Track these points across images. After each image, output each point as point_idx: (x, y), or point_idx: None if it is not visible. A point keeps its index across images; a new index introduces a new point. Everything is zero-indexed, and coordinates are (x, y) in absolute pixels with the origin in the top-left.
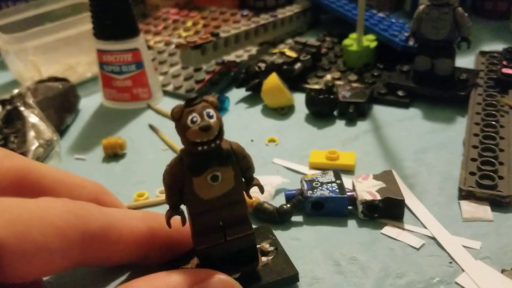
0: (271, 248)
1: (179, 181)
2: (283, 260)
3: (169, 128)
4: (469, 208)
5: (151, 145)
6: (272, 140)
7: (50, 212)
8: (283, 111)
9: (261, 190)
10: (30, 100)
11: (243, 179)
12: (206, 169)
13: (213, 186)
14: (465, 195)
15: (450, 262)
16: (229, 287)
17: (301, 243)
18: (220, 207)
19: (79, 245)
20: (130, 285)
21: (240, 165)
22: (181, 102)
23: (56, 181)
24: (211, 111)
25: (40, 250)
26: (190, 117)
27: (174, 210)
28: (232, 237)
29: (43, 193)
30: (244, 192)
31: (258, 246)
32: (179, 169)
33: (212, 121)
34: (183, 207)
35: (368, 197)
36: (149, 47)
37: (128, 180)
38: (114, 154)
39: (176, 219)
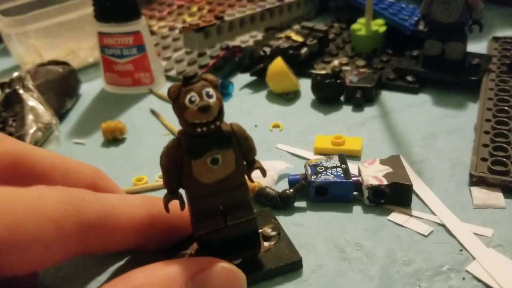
0: (273, 233)
1: (177, 164)
2: (285, 245)
3: (170, 113)
4: (480, 194)
5: (152, 130)
6: (276, 126)
7: (45, 202)
8: (288, 97)
9: (263, 173)
10: (30, 83)
11: (245, 162)
12: (205, 152)
13: (213, 169)
14: (476, 181)
15: (461, 250)
16: (232, 276)
17: (304, 229)
18: (220, 191)
19: (76, 236)
20: (128, 276)
21: (241, 148)
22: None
23: (51, 166)
24: (211, 91)
25: (34, 243)
26: (188, 97)
27: (172, 194)
28: (233, 222)
29: (37, 179)
30: (246, 176)
31: (259, 230)
32: (177, 152)
33: (211, 101)
34: (181, 191)
35: (374, 182)
36: (153, 32)
37: (127, 164)
38: (114, 139)
39: (175, 204)
